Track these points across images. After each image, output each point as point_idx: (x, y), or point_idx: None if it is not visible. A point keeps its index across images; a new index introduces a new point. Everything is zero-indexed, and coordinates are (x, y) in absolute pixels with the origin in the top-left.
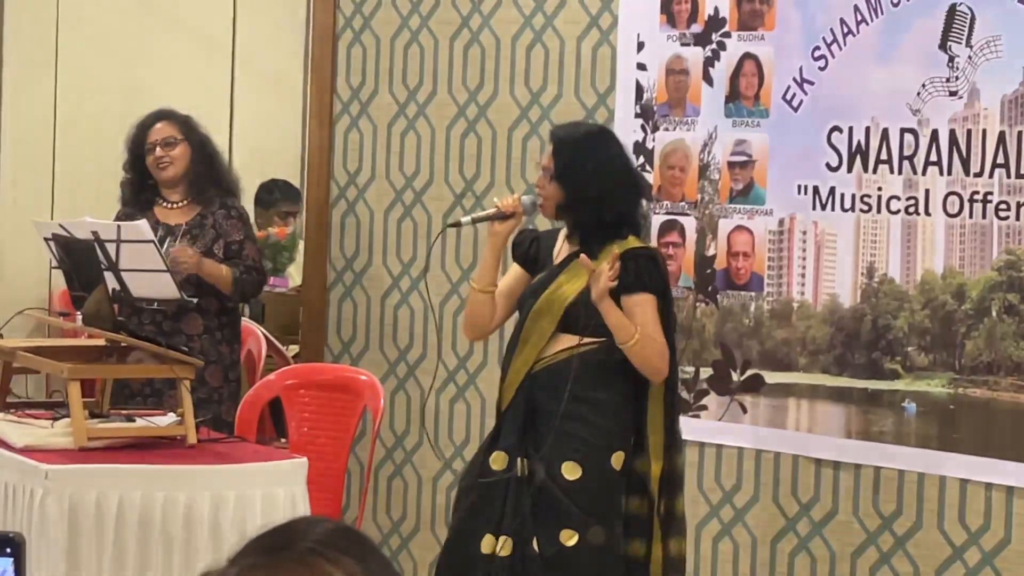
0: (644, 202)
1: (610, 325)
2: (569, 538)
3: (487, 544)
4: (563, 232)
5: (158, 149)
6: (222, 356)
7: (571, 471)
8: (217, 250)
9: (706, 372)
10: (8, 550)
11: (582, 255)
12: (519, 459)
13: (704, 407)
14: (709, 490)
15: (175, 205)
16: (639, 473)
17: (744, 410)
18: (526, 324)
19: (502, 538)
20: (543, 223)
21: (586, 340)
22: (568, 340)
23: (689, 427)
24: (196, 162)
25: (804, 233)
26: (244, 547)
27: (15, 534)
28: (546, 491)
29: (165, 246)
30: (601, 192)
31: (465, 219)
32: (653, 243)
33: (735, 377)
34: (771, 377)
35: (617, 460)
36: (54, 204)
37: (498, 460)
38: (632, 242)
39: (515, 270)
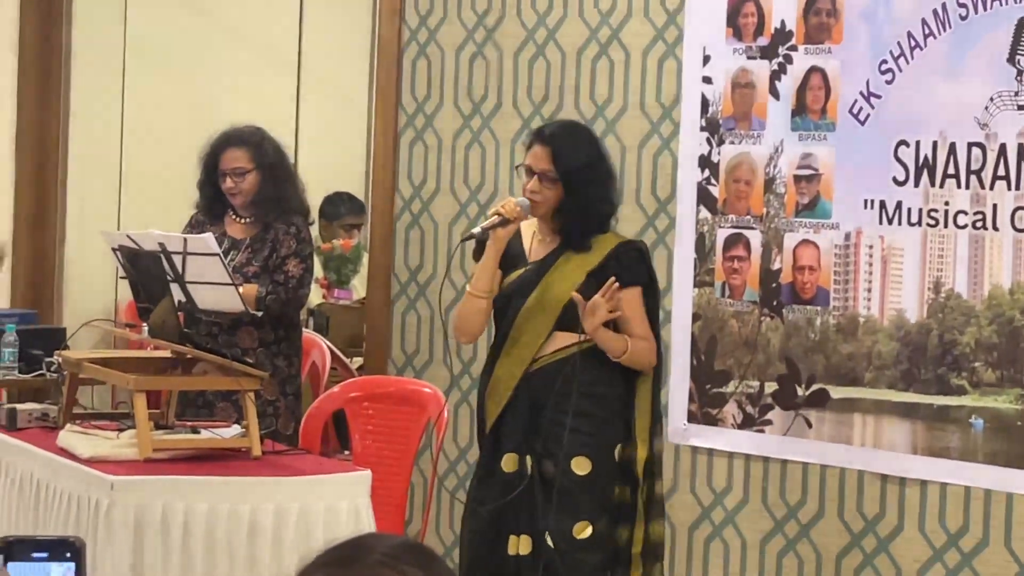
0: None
1: (603, 347)
2: (582, 530)
3: (512, 545)
4: (526, 225)
5: (228, 180)
6: (278, 370)
7: (581, 466)
8: (271, 264)
9: (771, 387)
10: (68, 555)
11: (574, 295)
12: (527, 457)
13: (769, 422)
14: (774, 505)
15: (244, 220)
16: (626, 459)
17: (809, 425)
18: (516, 323)
19: (522, 536)
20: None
21: (585, 337)
22: (566, 338)
23: (754, 442)
24: (264, 186)
25: (870, 247)
26: (313, 560)
27: (75, 538)
28: (558, 486)
29: (229, 258)
30: (603, 191)
31: (476, 229)
32: (718, 257)
33: (800, 392)
34: (836, 392)
35: (619, 452)
36: (120, 217)
37: (509, 462)
38: (614, 237)
39: None
